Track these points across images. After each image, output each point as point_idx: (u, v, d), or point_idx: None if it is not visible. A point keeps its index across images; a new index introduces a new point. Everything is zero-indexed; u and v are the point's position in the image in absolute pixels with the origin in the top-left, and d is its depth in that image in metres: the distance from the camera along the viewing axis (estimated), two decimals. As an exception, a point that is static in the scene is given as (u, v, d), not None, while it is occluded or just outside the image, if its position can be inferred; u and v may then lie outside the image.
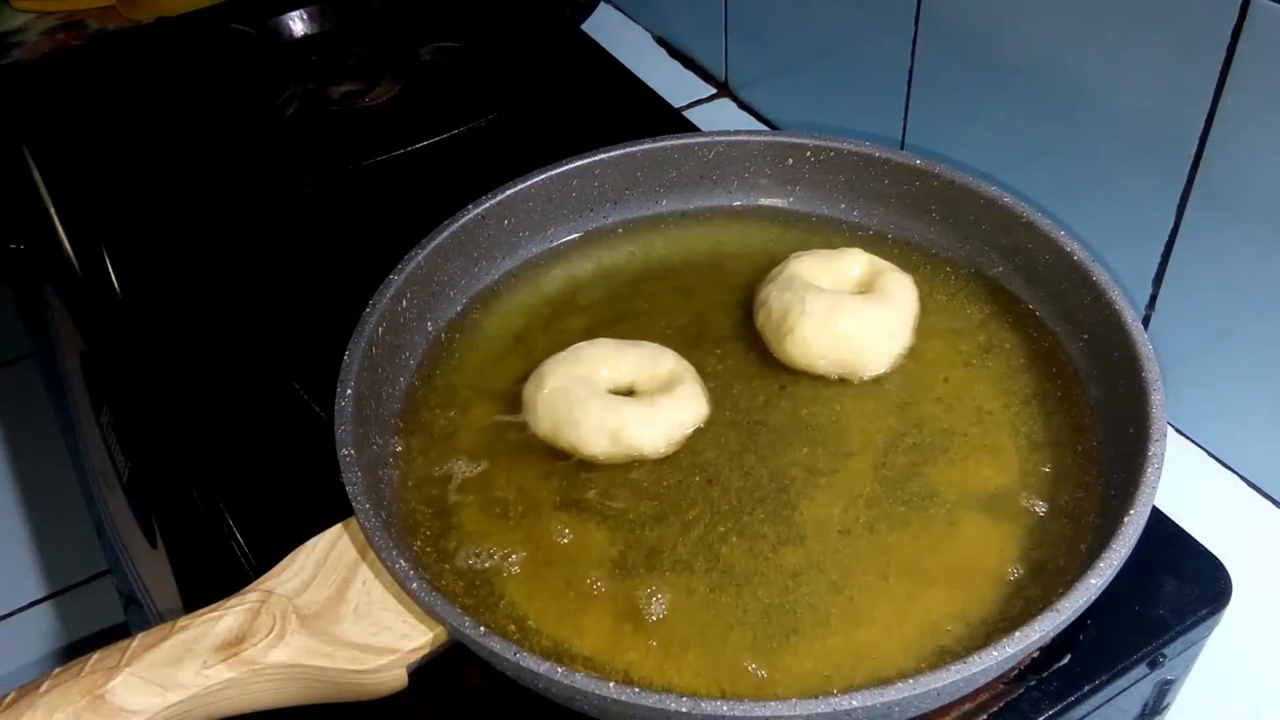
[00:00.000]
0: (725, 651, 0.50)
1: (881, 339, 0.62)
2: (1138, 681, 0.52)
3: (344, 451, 0.53)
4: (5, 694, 0.45)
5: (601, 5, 1.10)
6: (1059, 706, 0.49)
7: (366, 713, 0.50)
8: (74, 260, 0.79)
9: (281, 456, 0.62)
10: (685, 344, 0.63)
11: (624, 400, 0.59)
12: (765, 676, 0.49)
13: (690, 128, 0.86)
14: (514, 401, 0.61)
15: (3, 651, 1.39)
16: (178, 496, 0.64)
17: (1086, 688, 0.50)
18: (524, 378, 0.62)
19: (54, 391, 1.03)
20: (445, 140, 0.84)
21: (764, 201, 0.72)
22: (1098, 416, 0.58)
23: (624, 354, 0.61)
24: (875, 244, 0.69)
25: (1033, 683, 0.50)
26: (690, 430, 0.59)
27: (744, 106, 0.98)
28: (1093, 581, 0.46)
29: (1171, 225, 0.64)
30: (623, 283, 0.68)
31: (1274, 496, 0.66)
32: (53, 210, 0.83)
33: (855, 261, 0.65)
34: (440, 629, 0.49)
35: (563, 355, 0.61)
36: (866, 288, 0.64)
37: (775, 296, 0.63)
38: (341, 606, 0.50)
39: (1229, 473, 0.67)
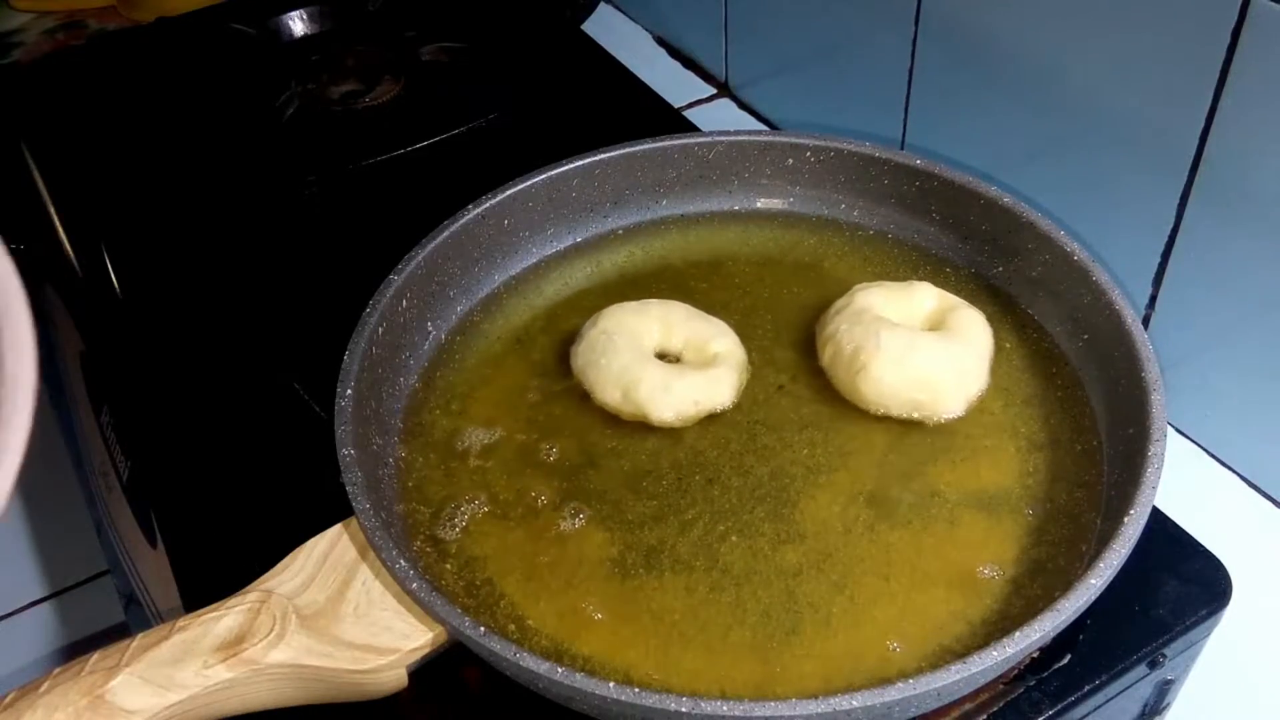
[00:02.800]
0: (725, 651, 0.50)
1: (960, 380, 0.59)
2: (1138, 681, 0.52)
3: (344, 451, 0.53)
4: (5, 694, 0.45)
5: (601, 5, 1.10)
6: (1059, 706, 0.49)
7: (366, 713, 0.50)
8: (74, 260, 0.79)
9: (281, 456, 0.62)
10: (685, 344, 0.63)
11: (654, 362, 0.60)
12: (765, 676, 0.49)
13: (690, 128, 0.86)
14: (513, 400, 0.61)
15: (3, 651, 1.39)
16: (178, 496, 0.64)
17: (1086, 688, 0.50)
18: (524, 377, 0.63)
19: (54, 391, 1.03)
20: (445, 140, 0.84)
21: (764, 201, 0.72)
22: (1098, 416, 0.58)
23: (687, 321, 0.63)
24: (875, 244, 0.69)
25: (1033, 683, 0.50)
26: (704, 411, 0.59)
27: (744, 106, 0.98)
28: (1093, 581, 0.46)
29: (1171, 225, 0.64)
30: (623, 283, 0.68)
31: (1274, 496, 0.66)
32: (53, 210, 0.83)
33: (925, 296, 0.62)
34: (440, 629, 0.49)
35: (631, 305, 0.63)
36: (937, 324, 0.61)
37: (845, 331, 0.60)
38: (341, 606, 0.50)
39: (1229, 473, 0.67)
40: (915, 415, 0.59)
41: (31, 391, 0.35)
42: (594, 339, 0.61)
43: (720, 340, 0.62)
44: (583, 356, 0.61)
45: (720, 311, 0.66)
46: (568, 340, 0.64)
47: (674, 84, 0.99)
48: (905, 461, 0.57)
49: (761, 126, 0.96)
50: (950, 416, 0.59)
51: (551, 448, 0.59)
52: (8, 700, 0.44)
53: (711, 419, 0.60)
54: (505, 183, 0.67)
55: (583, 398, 0.61)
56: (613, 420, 0.60)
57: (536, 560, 0.54)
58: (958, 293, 0.65)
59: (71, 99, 0.94)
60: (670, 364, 0.61)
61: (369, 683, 0.49)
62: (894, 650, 0.49)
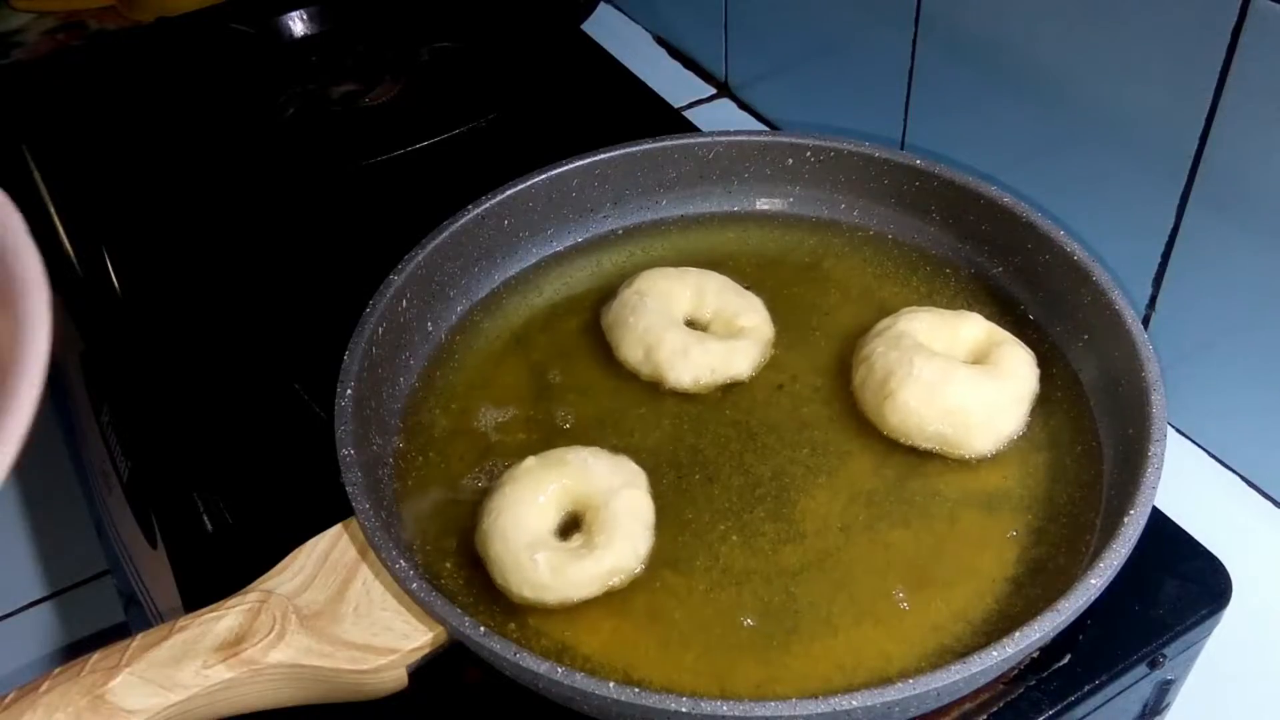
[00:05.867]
0: (725, 651, 0.50)
1: (992, 417, 0.57)
2: (1138, 681, 0.52)
3: (344, 451, 0.53)
4: (5, 694, 0.45)
5: (601, 5, 1.10)
6: (1059, 706, 0.49)
7: (366, 713, 0.50)
8: (74, 260, 0.79)
9: (281, 456, 0.62)
10: (685, 344, 0.63)
11: (679, 327, 0.62)
12: (765, 676, 0.49)
13: (690, 128, 0.86)
14: (513, 400, 0.61)
15: (3, 651, 1.39)
16: (178, 496, 0.64)
17: (1086, 688, 0.50)
18: (524, 378, 0.63)
19: (54, 391, 1.03)
20: (445, 140, 0.84)
21: (764, 202, 0.72)
22: (1098, 416, 0.58)
23: (720, 293, 0.64)
24: (875, 244, 0.69)
25: (1033, 683, 0.50)
26: (719, 380, 0.61)
27: (744, 106, 0.98)
28: (1093, 581, 0.46)
29: (1171, 225, 0.64)
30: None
31: (1274, 496, 0.66)
32: (53, 210, 0.83)
33: (972, 328, 0.60)
34: (440, 629, 0.49)
35: (669, 270, 0.65)
36: (981, 358, 0.59)
37: (880, 354, 0.59)
38: (341, 606, 0.50)
39: (1229, 473, 0.67)
40: (940, 449, 0.57)
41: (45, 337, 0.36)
42: (626, 298, 0.63)
43: (749, 315, 0.63)
44: (613, 313, 0.64)
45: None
46: (569, 341, 0.64)
47: (674, 84, 0.99)
48: (905, 461, 0.57)
49: (761, 126, 0.96)
50: (977, 455, 0.57)
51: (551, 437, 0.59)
52: (8, 700, 0.44)
53: (712, 415, 0.60)
54: (505, 183, 0.67)
55: (585, 394, 0.61)
56: (611, 422, 0.60)
57: (536, 560, 0.54)
58: (957, 292, 0.66)
59: (71, 99, 0.94)
60: (696, 331, 0.63)
61: (369, 683, 0.49)
62: (894, 650, 0.49)
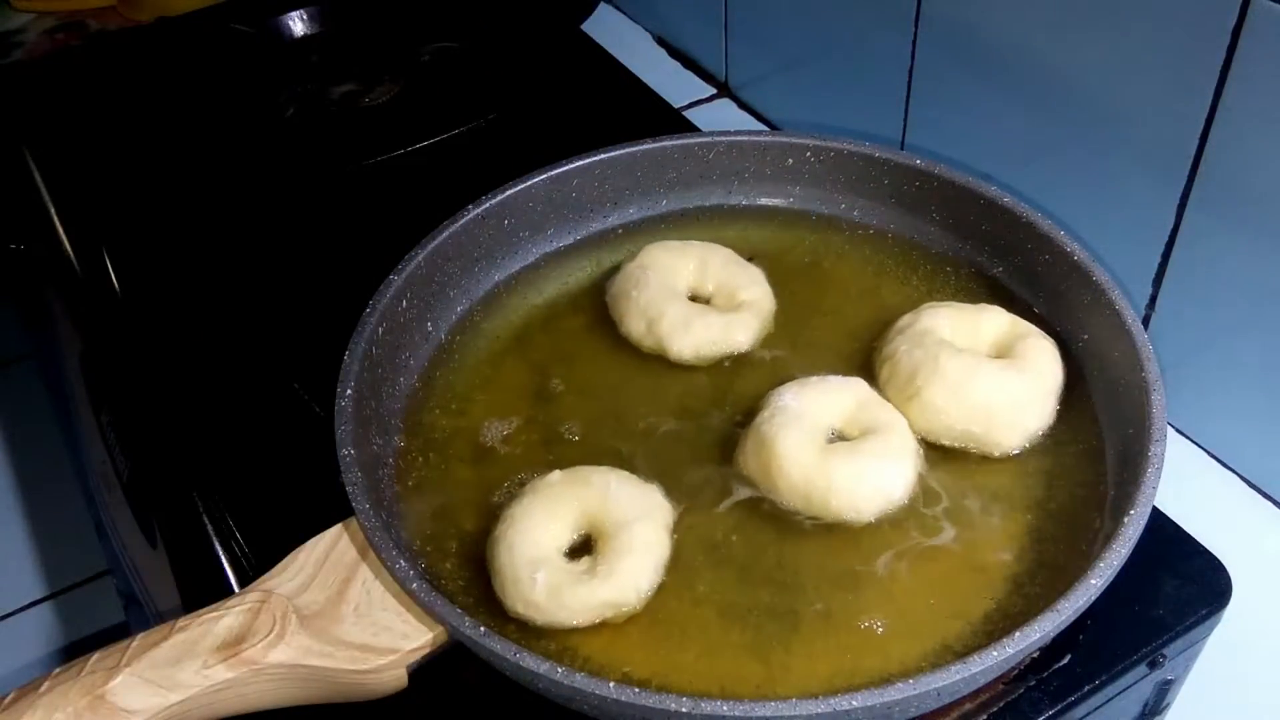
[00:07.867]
0: (725, 651, 0.50)
1: (1019, 413, 0.56)
2: (1138, 681, 0.52)
3: (344, 451, 0.53)
4: (5, 694, 0.45)
5: (601, 5, 1.10)
6: (1059, 706, 0.49)
7: (366, 713, 0.50)
8: (74, 260, 0.79)
9: (281, 456, 0.62)
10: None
11: (681, 300, 0.63)
12: (765, 676, 0.49)
13: (690, 128, 0.86)
14: (514, 400, 0.61)
15: (3, 651, 1.39)
16: (178, 496, 0.64)
17: (1086, 688, 0.50)
18: (525, 377, 0.63)
19: (54, 392, 1.03)
20: (445, 140, 0.84)
21: (764, 201, 0.72)
22: (1098, 417, 0.58)
23: (724, 266, 0.65)
24: (875, 243, 0.69)
25: (1033, 683, 0.50)
26: (720, 352, 0.62)
27: (744, 106, 0.98)
28: (1093, 581, 0.46)
29: (1171, 225, 0.64)
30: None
31: (1274, 496, 0.66)
32: (53, 210, 0.83)
33: (995, 321, 0.60)
34: (440, 629, 0.49)
35: (674, 244, 0.66)
36: (1005, 351, 0.59)
37: (905, 352, 0.58)
38: (341, 606, 0.50)
39: (1229, 473, 0.67)
40: (969, 447, 0.57)
41: None
42: (629, 272, 0.64)
43: (751, 289, 0.64)
44: (617, 286, 0.65)
45: (720, 311, 0.66)
46: (569, 341, 0.64)
47: (674, 84, 0.99)
48: (905, 461, 0.57)
49: (761, 126, 0.96)
50: (1006, 452, 0.56)
51: (551, 459, 0.59)
52: (8, 700, 0.44)
53: (719, 423, 0.60)
54: (505, 183, 0.67)
55: (586, 394, 0.61)
56: (614, 420, 0.60)
57: (536, 560, 0.54)
58: (957, 291, 0.66)
59: (71, 99, 0.94)
60: (697, 304, 0.64)
61: (369, 683, 0.49)
62: (894, 649, 0.49)
